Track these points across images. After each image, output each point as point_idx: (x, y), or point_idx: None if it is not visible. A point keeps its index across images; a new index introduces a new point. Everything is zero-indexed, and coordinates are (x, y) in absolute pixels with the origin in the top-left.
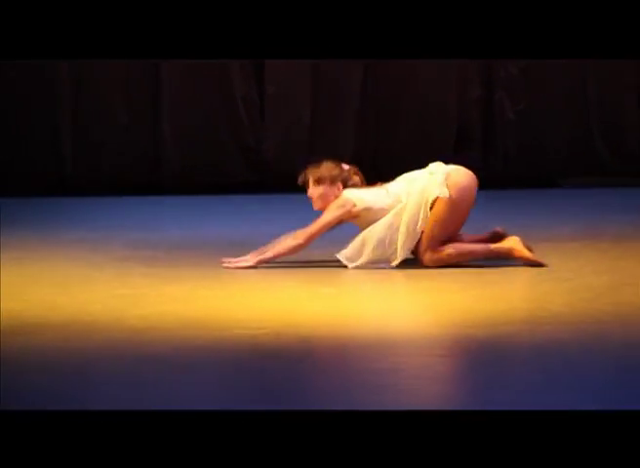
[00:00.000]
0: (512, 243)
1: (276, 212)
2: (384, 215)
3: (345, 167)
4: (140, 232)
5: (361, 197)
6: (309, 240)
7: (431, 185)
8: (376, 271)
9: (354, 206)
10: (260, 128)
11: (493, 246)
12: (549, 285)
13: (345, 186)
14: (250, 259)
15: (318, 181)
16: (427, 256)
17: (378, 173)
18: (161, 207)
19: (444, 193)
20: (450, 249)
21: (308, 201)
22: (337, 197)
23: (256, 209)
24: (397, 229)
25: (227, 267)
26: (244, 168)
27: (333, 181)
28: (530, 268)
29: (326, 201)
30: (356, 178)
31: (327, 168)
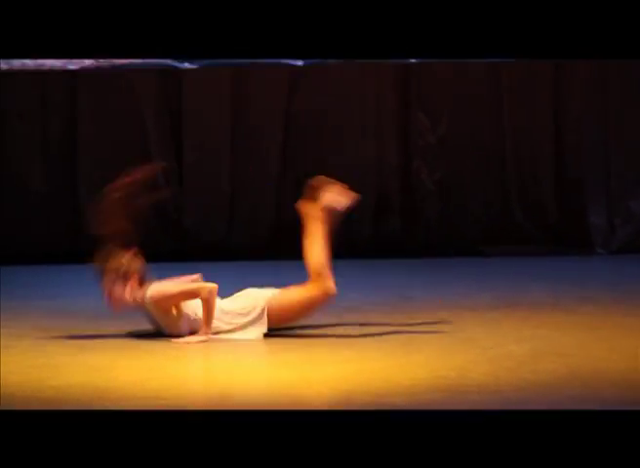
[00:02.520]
0: None
1: None
2: None
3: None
4: (59, 301)
5: None
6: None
7: None
8: (288, 340)
9: None
10: (180, 196)
11: None
12: (471, 353)
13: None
14: (203, 334)
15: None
16: None
17: (297, 241)
18: (81, 275)
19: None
20: None
21: None
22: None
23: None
24: None
25: (188, 342)
26: (164, 236)
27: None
28: (451, 336)
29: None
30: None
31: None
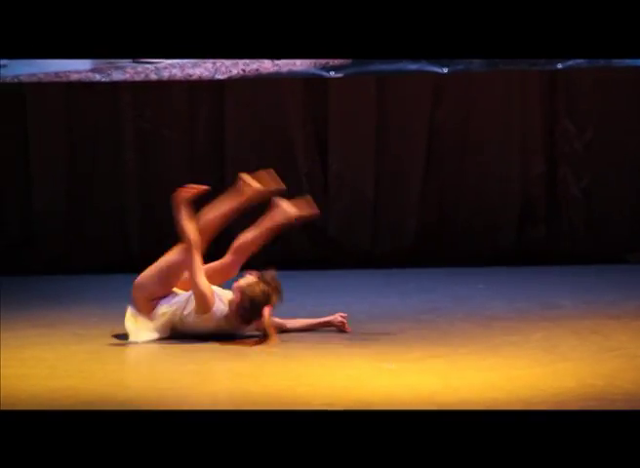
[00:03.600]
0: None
1: (341, 287)
2: None
3: None
4: None
5: None
6: None
7: None
8: (432, 347)
9: None
10: (325, 204)
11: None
12: (618, 361)
13: None
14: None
15: None
16: None
17: (440, 249)
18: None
19: None
20: None
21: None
22: None
23: (321, 285)
24: None
25: None
26: (308, 244)
27: None
28: (598, 344)
29: None
30: None
31: None
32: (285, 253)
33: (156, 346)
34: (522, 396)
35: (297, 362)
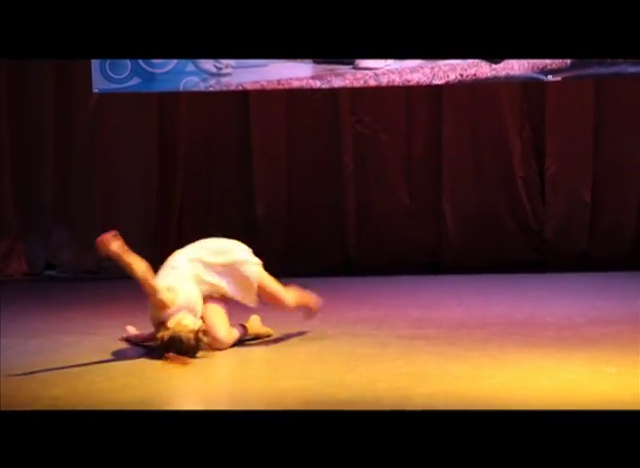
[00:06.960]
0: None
1: (558, 291)
2: None
3: None
4: (422, 310)
5: None
6: None
7: None
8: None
9: None
10: (541, 208)
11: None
12: None
13: None
14: None
15: None
16: None
17: None
18: (442, 286)
19: None
20: None
21: None
22: None
23: (536, 288)
24: None
25: None
26: (524, 247)
27: None
28: None
29: None
30: None
31: None
32: (498, 254)
33: (375, 349)
34: None
35: (513, 364)
